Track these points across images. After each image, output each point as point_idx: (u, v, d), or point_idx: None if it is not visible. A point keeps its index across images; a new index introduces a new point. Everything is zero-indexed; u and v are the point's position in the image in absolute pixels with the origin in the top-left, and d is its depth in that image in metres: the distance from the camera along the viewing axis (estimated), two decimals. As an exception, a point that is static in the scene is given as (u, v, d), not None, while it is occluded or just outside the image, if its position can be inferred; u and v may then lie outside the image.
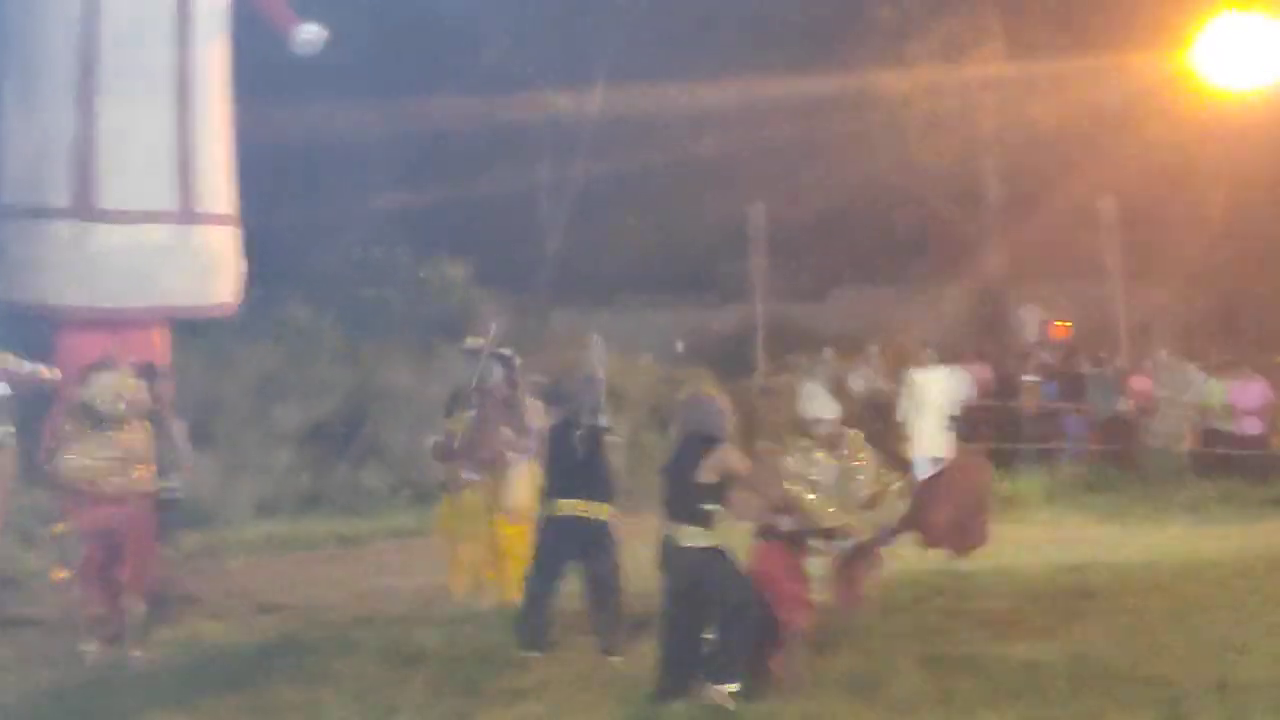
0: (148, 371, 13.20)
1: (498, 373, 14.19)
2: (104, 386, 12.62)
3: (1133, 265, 25.20)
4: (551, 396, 13.06)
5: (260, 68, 20.46)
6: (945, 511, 14.89)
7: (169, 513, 13.44)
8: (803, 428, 11.59)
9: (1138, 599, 13.85)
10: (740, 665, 10.64)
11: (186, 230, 18.64)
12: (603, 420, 12.32)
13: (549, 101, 31.26)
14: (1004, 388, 24.98)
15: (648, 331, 29.96)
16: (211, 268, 19.07)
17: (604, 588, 12.22)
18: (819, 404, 11.64)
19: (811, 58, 30.65)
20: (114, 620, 12.49)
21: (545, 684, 11.26)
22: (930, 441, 20.53)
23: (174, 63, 18.52)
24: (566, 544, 12.26)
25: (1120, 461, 23.22)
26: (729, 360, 27.17)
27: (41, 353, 19.09)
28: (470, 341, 14.92)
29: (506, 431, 13.86)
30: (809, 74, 30.00)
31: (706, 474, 10.59)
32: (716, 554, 10.65)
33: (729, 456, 10.70)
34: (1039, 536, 17.96)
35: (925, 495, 14.76)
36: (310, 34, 18.93)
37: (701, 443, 10.69)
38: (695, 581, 10.62)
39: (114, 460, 12.39)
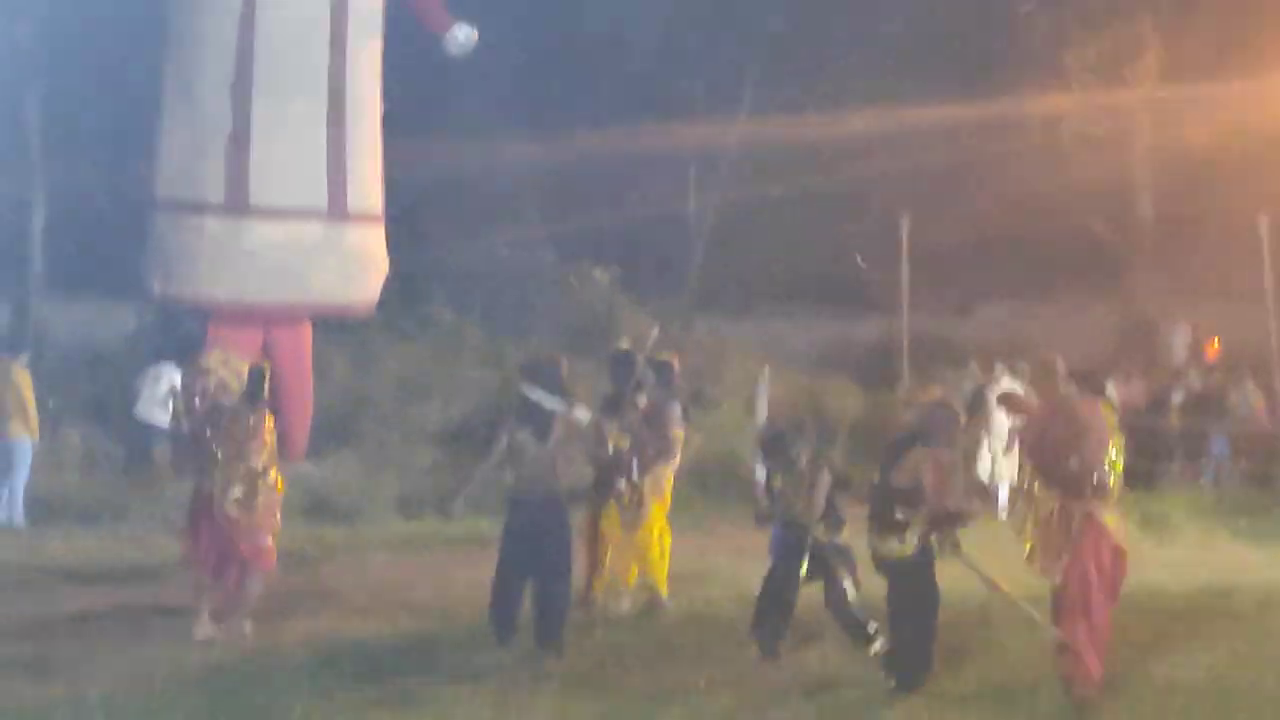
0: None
1: (654, 378, 14.12)
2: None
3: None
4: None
5: (416, 80, 20.74)
6: None
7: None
8: None
9: (1286, 624, 13.61)
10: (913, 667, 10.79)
11: (337, 228, 18.94)
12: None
13: (699, 118, 31.26)
14: (1153, 406, 24.65)
15: (790, 340, 29.83)
16: (359, 266, 19.36)
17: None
18: None
19: (964, 76, 30.42)
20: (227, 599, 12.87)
21: (685, 688, 11.24)
22: (997, 466, 20.57)
23: (328, 63, 18.87)
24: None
25: (1268, 483, 22.88)
26: (871, 372, 27.02)
27: (192, 345, 19.54)
28: (624, 343, 14.91)
29: (664, 435, 13.82)
30: (961, 92, 29.77)
31: (899, 475, 10.51)
32: (913, 565, 10.66)
33: (922, 458, 10.61)
34: (1184, 557, 17.67)
35: None
36: (464, 35, 19.20)
37: (904, 442, 10.62)
38: (897, 587, 10.76)
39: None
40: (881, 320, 29.12)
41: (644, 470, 13.67)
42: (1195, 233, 30.92)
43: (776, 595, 11.88)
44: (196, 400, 12.93)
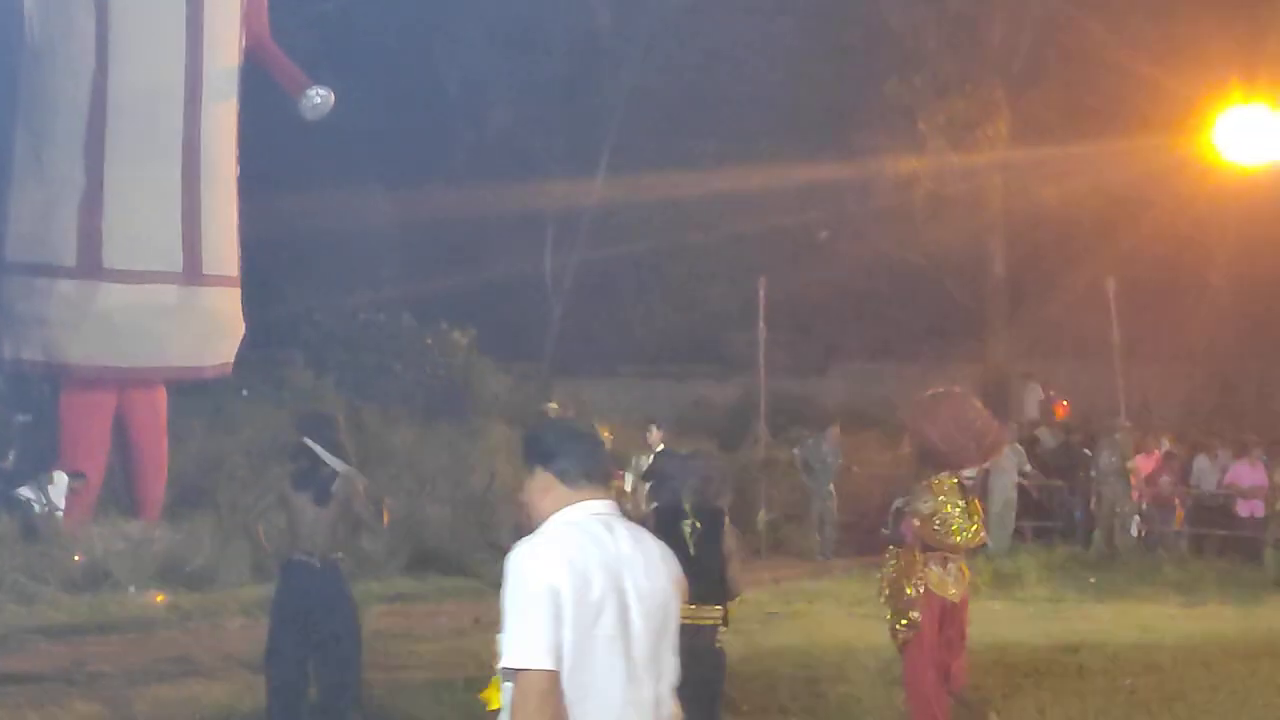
0: None
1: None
2: None
3: (1136, 344, 25.25)
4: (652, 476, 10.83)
5: (271, 141, 20.64)
6: None
7: None
8: None
9: (1134, 679, 13.79)
10: None
11: (192, 291, 18.76)
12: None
13: (556, 178, 31.41)
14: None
15: (650, 403, 29.96)
16: (214, 328, 19.19)
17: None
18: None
19: (819, 138, 30.83)
20: None
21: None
22: None
23: (182, 125, 18.69)
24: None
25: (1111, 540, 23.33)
26: (731, 433, 27.17)
27: (45, 410, 19.25)
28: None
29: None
30: (817, 153, 30.14)
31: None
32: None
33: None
34: (1035, 614, 17.91)
35: None
36: (319, 98, 19.12)
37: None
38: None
39: None
40: (741, 381, 29.30)
41: None
42: (1047, 293, 31.48)
43: None
44: None
